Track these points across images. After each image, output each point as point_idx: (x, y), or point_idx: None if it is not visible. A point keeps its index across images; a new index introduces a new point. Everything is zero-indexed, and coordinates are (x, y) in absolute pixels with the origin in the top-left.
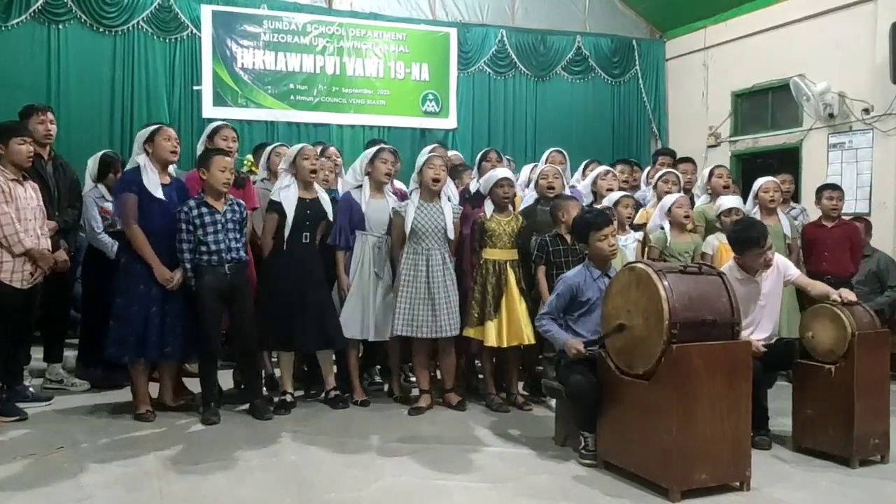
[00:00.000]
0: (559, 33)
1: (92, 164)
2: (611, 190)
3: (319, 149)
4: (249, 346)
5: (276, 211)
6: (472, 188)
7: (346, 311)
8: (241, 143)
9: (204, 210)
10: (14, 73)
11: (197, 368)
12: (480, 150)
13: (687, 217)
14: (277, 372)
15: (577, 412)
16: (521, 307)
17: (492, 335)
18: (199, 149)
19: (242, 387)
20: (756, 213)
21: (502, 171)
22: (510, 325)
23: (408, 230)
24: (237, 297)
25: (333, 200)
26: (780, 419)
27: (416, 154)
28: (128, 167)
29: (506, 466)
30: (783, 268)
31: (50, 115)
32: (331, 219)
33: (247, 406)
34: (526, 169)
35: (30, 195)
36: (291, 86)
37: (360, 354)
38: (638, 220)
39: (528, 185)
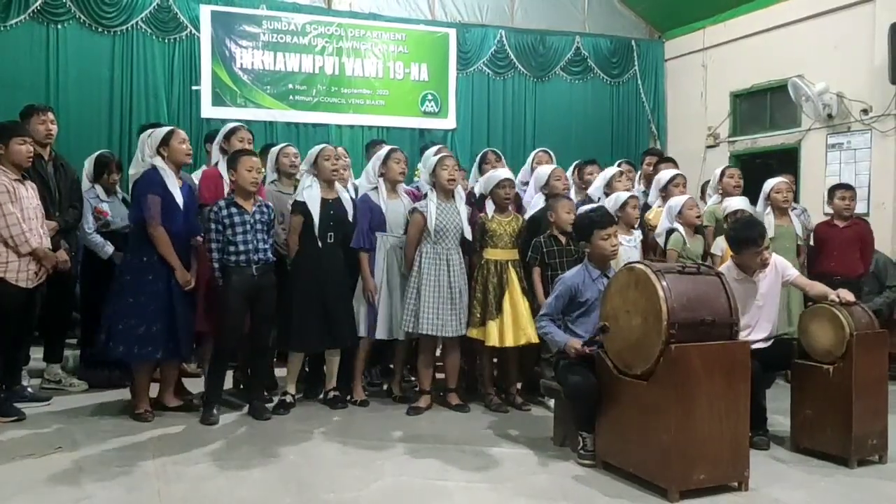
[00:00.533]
0: (558, 34)
1: (88, 164)
2: (627, 191)
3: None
4: (264, 347)
5: (301, 212)
6: (477, 192)
7: (379, 314)
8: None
9: (234, 210)
10: (13, 73)
11: (195, 369)
12: (480, 150)
13: (699, 217)
14: (278, 372)
15: (576, 412)
16: (523, 306)
17: (494, 335)
18: (215, 150)
19: (242, 387)
20: (768, 214)
21: (504, 172)
22: (513, 325)
23: (432, 229)
24: (261, 298)
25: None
26: (779, 419)
27: (414, 155)
28: (136, 170)
29: (505, 466)
30: (781, 268)
31: (50, 116)
32: (351, 219)
33: (246, 406)
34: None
35: (30, 195)
36: (290, 86)
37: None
38: (649, 219)
39: (528, 186)
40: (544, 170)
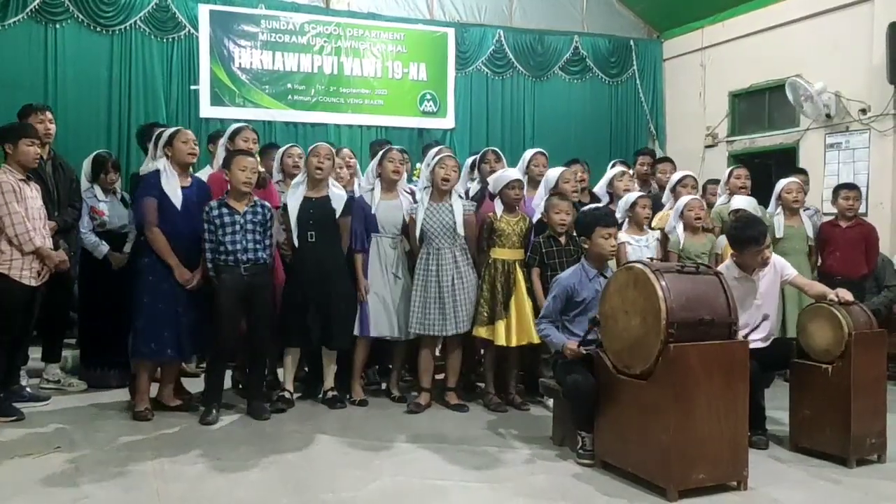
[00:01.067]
0: (557, 33)
1: (86, 164)
2: (628, 190)
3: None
4: (261, 347)
5: (285, 212)
6: (472, 191)
7: (370, 313)
8: None
9: (224, 211)
10: (11, 73)
11: (194, 368)
12: (478, 149)
13: (698, 219)
14: (280, 372)
15: (575, 412)
16: (528, 307)
17: (501, 334)
18: (220, 151)
19: (241, 386)
20: (779, 215)
21: (513, 173)
22: (519, 325)
23: (418, 232)
24: (255, 298)
25: (351, 201)
26: (778, 419)
27: (413, 154)
28: (145, 171)
29: (504, 466)
30: (780, 267)
31: (48, 115)
32: (337, 217)
33: (245, 406)
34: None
35: (34, 195)
36: (289, 85)
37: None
38: (656, 224)
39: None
40: (553, 172)
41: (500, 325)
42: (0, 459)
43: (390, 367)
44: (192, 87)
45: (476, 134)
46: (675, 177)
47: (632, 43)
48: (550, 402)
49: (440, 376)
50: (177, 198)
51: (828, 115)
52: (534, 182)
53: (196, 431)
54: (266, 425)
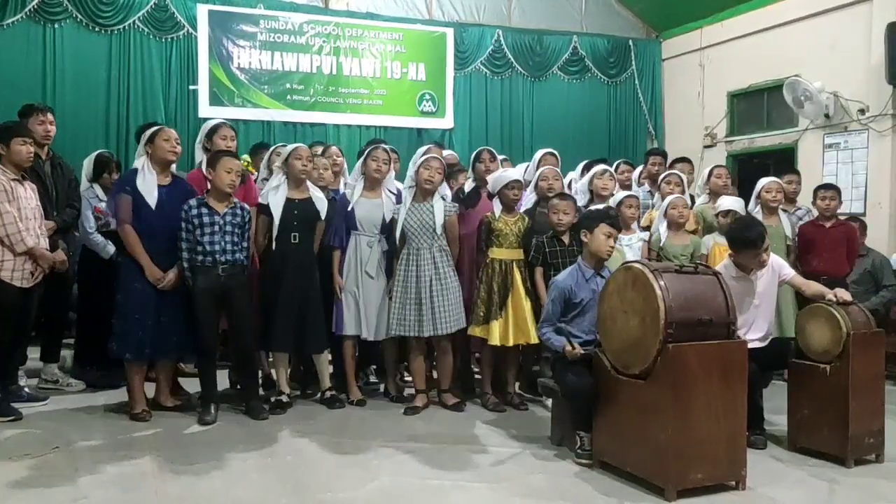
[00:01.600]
0: (555, 33)
1: (87, 164)
2: (605, 189)
3: (321, 149)
4: (245, 348)
5: (264, 213)
6: (468, 188)
7: (343, 310)
8: (238, 143)
9: (204, 210)
10: (9, 73)
11: (192, 369)
12: (477, 150)
13: (682, 217)
14: (274, 372)
15: (573, 412)
16: (526, 306)
17: (496, 334)
18: (198, 148)
19: (238, 387)
20: (758, 214)
21: (513, 174)
22: (516, 324)
23: (398, 233)
24: (232, 299)
25: (333, 201)
26: (776, 419)
27: (412, 154)
28: (131, 168)
29: (502, 466)
30: (778, 267)
31: (50, 116)
32: (322, 219)
33: (243, 406)
34: (520, 168)
35: (29, 195)
36: (288, 85)
37: (356, 354)
38: (644, 222)
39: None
40: (515, 171)
41: (495, 325)
42: None
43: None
44: (191, 87)
45: (475, 134)
46: (661, 175)
47: (630, 43)
48: (549, 401)
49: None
50: (152, 196)
51: (826, 116)
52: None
53: (194, 431)
54: (264, 425)
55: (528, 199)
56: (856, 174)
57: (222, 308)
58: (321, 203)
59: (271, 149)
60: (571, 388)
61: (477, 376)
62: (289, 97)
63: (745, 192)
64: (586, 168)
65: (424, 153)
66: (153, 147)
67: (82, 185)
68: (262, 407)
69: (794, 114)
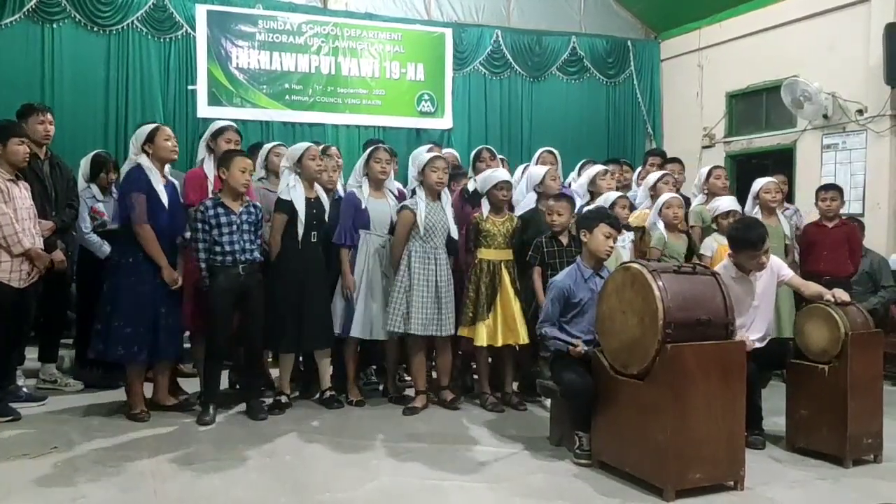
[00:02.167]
0: (554, 34)
1: (84, 164)
2: (609, 189)
3: (321, 148)
4: (256, 348)
5: (284, 211)
6: (470, 188)
7: (358, 312)
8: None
9: (220, 210)
10: (8, 73)
11: (191, 369)
12: (476, 149)
13: (676, 217)
14: (273, 372)
15: (572, 412)
16: (515, 307)
17: (483, 335)
18: (201, 148)
19: (238, 387)
20: (756, 214)
21: (502, 174)
22: (505, 325)
23: (421, 227)
24: (249, 298)
25: (336, 201)
26: (774, 419)
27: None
28: (126, 167)
29: (501, 466)
30: (777, 268)
31: (49, 116)
32: (327, 218)
33: (242, 406)
34: (518, 169)
35: (24, 195)
36: (287, 85)
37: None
38: (633, 221)
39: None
40: (538, 169)
41: (481, 326)
42: None
43: (386, 366)
44: (190, 88)
45: (474, 134)
46: (654, 176)
47: (629, 43)
48: (547, 402)
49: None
50: (164, 195)
51: (825, 116)
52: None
53: (193, 431)
54: (263, 425)
55: (527, 200)
56: (854, 175)
57: (237, 308)
58: (327, 203)
59: (267, 148)
60: (570, 389)
61: (476, 377)
62: (287, 97)
63: (745, 192)
64: (583, 169)
65: (427, 151)
66: (154, 146)
67: (80, 185)
68: (262, 407)
69: (793, 114)
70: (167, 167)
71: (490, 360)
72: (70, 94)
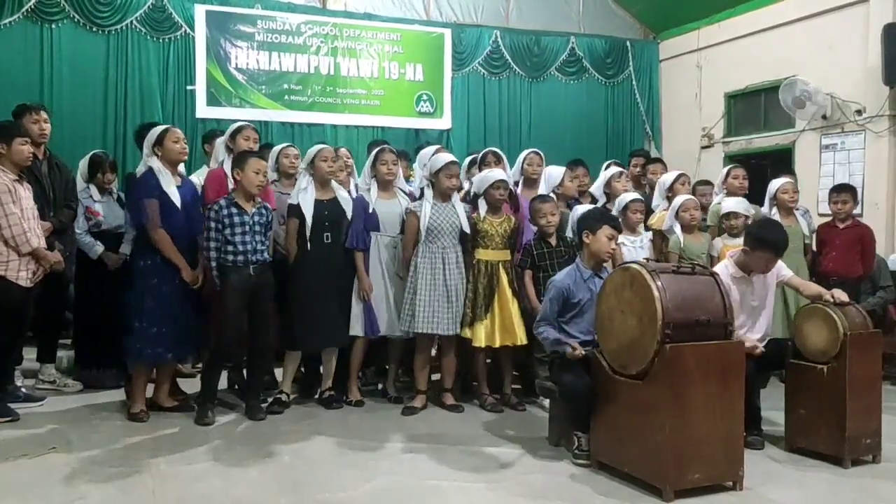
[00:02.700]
0: (553, 34)
1: (82, 164)
2: (626, 191)
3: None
4: (263, 348)
5: (295, 215)
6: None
7: (377, 312)
8: None
9: (233, 210)
10: (7, 73)
11: (190, 369)
12: (474, 150)
13: (693, 219)
14: (276, 372)
15: (571, 412)
16: (513, 307)
17: (481, 335)
18: (220, 149)
19: (237, 387)
20: (774, 215)
21: (498, 173)
22: (502, 325)
23: (424, 230)
24: (259, 297)
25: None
26: (773, 419)
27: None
28: (139, 170)
29: (500, 466)
30: (776, 268)
31: (44, 115)
32: (349, 218)
33: (242, 406)
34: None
35: (27, 195)
36: (286, 86)
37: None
38: (653, 224)
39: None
40: (557, 171)
41: (479, 327)
42: None
43: (387, 367)
44: (189, 88)
45: (472, 135)
46: (670, 177)
47: (628, 44)
48: (546, 402)
49: (436, 376)
50: (176, 197)
51: (824, 117)
52: (529, 182)
53: (192, 432)
54: (262, 425)
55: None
56: (853, 175)
57: (247, 308)
58: (346, 203)
59: (277, 150)
60: (569, 389)
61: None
62: (286, 97)
63: (746, 192)
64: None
65: (436, 152)
66: (163, 149)
67: (78, 185)
68: (261, 407)
69: (792, 115)
70: (181, 167)
71: (487, 360)
72: (69, 94)
